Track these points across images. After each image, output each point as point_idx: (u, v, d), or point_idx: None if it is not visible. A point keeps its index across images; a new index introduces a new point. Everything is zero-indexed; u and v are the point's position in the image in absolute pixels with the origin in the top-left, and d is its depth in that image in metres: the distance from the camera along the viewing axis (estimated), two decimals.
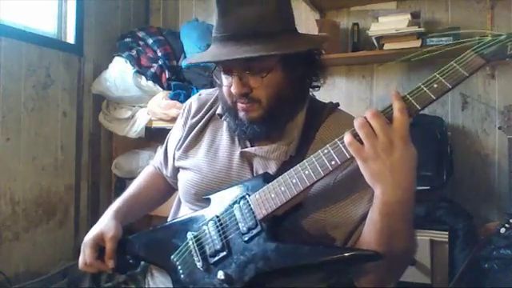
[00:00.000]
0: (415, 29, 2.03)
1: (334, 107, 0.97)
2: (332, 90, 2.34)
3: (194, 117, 1.03)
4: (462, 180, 2.13)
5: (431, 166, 1.94)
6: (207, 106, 1.04)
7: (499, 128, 1.89)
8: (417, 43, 2.04)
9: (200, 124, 1.02)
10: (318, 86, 0.99)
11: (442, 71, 0.71)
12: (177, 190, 1.12)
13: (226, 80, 0.89)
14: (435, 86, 0.70)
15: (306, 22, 2.35)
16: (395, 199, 0.70)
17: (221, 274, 0.79)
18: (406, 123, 0.68)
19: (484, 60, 0.70)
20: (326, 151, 0.75)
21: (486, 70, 2.13)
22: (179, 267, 0.89)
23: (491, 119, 2.14)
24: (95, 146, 2.53)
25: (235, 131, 0.92)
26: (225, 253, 0.81)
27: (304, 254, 0.75)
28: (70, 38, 2.38)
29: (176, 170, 1.07)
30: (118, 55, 2.41)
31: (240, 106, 0.87)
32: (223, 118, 0.97)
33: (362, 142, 0.70)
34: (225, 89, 0.89)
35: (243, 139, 0.94)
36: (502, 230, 1.63)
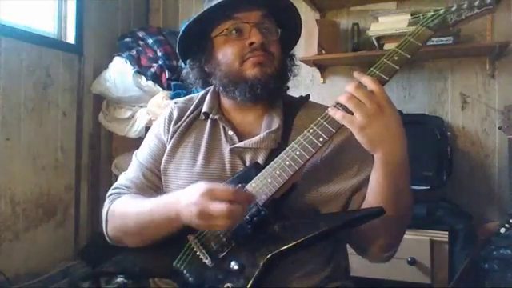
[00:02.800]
0: None
1: (305, 99, 1.02)
2: (332, 90, 2.34)
3: (176, 123, 1.02)
4: (462, 180, 2.13)
5: (431, 165, 1.94)
6: (189, 111, 1.03)
7: (499, 128, 1.89)
8: None
9: (182, 128, 1.00)
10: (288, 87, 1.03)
11: (399, 45, 0.81)
12: None
13: (236, 36, 0.90)
14: (396, 58, 0.79)
15: (306, 21, 2.34)
16: (397, 156, 0.76)
17: (234, 264, 0.79)
18: (383, 89, 0.76)
19: (432, 31, 0.82)
20: (311, 131, 0.79)
21: (486, 70, 2.14)
22: (185, 271, 0.86)
23: (491, 119, 2.14)
24: (95, 146, 2.53)
25: (243, 95, 0.91)
26: (233, 245, 0.81)
27: (311, 225, 0.77)
28: (70, 38, 2.38)
29: (160, 181, 1.01)
30: (118, 55, 2.41)
31: (255, 60, 0.89)
32: (227, 90, 0.95)
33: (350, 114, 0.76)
34: (234, 47, 0.90)
35: (248, 99, 0.92)
36: (502, 230, 1.63)
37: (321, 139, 0.78)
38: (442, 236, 1.79)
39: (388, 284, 1.79)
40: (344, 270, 0.98)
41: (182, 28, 0.95)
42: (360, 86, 0.76)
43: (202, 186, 0.77)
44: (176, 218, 0.81)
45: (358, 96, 0.75)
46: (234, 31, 0.90)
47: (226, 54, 0.91)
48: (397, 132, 0.75)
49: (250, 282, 0.75)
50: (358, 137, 0.75)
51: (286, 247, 0.77)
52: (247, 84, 0.90)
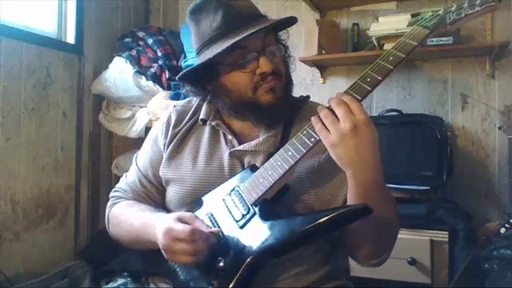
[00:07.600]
0: None
1: (306, 99, 1.02)
2: (332, 90, 2.34)
3: (174, 127, 1.02)
4: (462, 180, 2.13)
5: (431, 165, 1.94)
6: (188, 115, 1.03)
7: (499, 128, 1.90)
8: None
9: (181, 133, 1.01)
10: None
11: (394, 46, 0.82)
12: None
13: (245, 65, 0.88)
14: (391, 58, 0.81)
15: (306, 21, 2.35)
16: (366, 177, 0.76)
17: (220, 263, 0.80)
18: (362, 110, 0.76)
19: (428, 30, 0.83)
20: (304, 132, 0.80)
21: (486, 70, 2.14)
22: (178, 269, 0.89)
23: (491, 119, 2.14)
24: (95, 146, 2.53)
25: (261, 121, 0.92)
26: (222, 243, 0.82)
27: (298, 222, 0.77)
28: (70, 38, 2.38)
29: (161, 185, 1.02)
30: (118, 55, 2.41)
31: (267, 87, 0.89)
32: (235, 114, 0.95)
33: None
34: (245, 78, 0.89)
35: (265, 125, 0.93)
36: (502, 230, 1.63)
37: (312, 139, 0.78)
38: (442, 236, 1.79)
39: (388, 284, 1.79)
40: (344, 270, 0.99)
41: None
42: (342, 102, 0.76)
43: (163, 225, 0.81)
44: (156, 242, 0.84)
45: (336, 113, 0.75)
46: (241, 60, 0.88)
47: (236, 83, 0.90)
48: (368, 155, 0.75)
49: (233, 281, 0.76)
50: (330, 152, 0.77)
51: (270, 247, 0.77)
52: (262, 111, 0.90)
